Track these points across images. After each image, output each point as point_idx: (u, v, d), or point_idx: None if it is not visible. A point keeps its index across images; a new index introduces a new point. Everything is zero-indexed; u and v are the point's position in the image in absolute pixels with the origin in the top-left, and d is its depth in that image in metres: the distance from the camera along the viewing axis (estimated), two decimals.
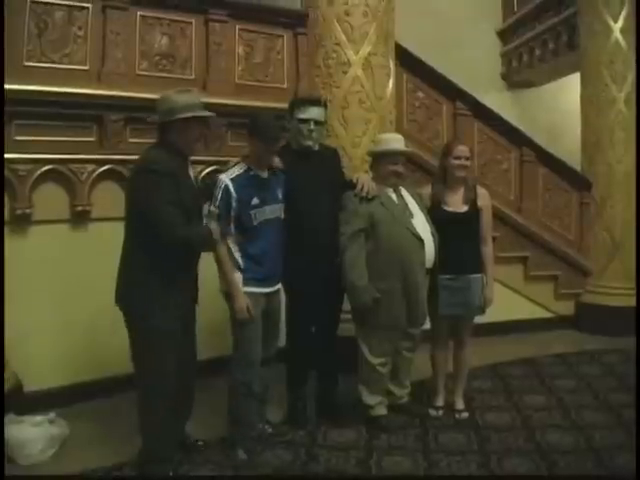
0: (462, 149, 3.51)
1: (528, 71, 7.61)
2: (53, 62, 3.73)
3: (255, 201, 3.03)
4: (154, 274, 2.75)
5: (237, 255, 3.04)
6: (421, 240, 3.27)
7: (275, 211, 3.13)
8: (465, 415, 3.63)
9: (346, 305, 3.49)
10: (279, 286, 3.23)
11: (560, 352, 4.99)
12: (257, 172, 3.09)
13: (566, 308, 5.85)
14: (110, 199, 3.84)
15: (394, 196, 3.39)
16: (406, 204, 3.40)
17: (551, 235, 5.74)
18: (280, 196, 3.18)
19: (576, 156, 6.05)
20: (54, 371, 3.74)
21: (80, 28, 3.82)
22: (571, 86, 6.77)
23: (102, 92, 3.82)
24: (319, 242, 3.29)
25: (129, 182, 2.91)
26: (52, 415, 3.26)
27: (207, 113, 2.84)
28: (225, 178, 3.00)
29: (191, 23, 4.26)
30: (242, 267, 3.04)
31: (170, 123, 2.74)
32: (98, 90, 3.82)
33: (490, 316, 3.75)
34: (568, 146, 6.38)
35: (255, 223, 3.03)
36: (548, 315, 5.80)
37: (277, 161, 3.20)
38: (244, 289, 3.04)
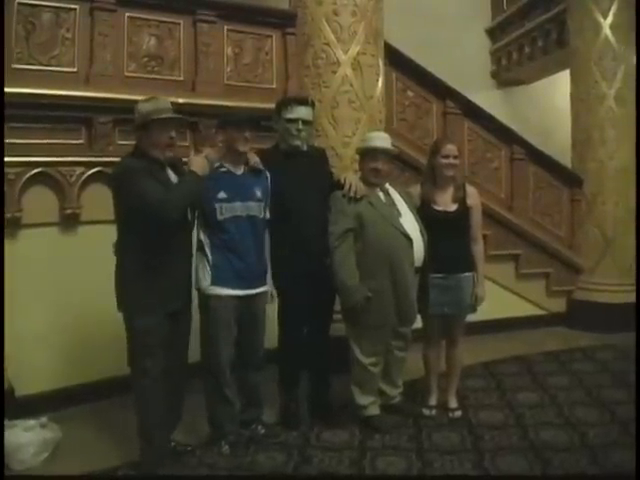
0: (450, 148, 3.50)
1: (518, 69, 7.63)
2: (41, 64, 3.71)
3: (222, 195, 3.03)
4: (142, 273, 2.78)
5: (207, 249, 3.06)
6: (410, 239, 3.26)
7: (249, 209, 3.10)
8: (458, 414, 3.62)
9: (337, 305, 3.48)
10: (259, 290, 3.18)
11: (552, 349, 5.01)
12: (230, 168, 3.11)
13: (558, 305, 5.88)
14: (100, 201, 3.75)
15: (382, 195, 3.38)
16: (394, 203, 3.39)
17: (542, 233, 5.76)
18: (259, 195, 3.15)
19: (566, 153, 6.08)
20: (45, 375, 3.72)
21: (68, 30, 3.80)
22: (561, 83, 6.79)
23: (90, 94, 3.80)
24: (309, 242, 3.28)
25: (110, 189, 2.92)
26: (44, 419, 3.24)
27: (166, 115, 2.82)
28: None
29: (179, 24, 4.23)
30: (211, 262, 3.04)
31: (137, 131, 2.83)
32: (86, 92, 3.80)
33: (482, 314, 3.74)
34: (558, 143, 6.40)
35: (220, 218, 3.03)
36: (540, 312, 5.82)
37: (256, 160, 3.19)
38: (212, 290, 3.04)
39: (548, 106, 7.64)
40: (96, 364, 3.84)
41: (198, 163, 2.89)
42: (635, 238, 5.46)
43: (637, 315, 4.99)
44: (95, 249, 3.64)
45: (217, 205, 3.02)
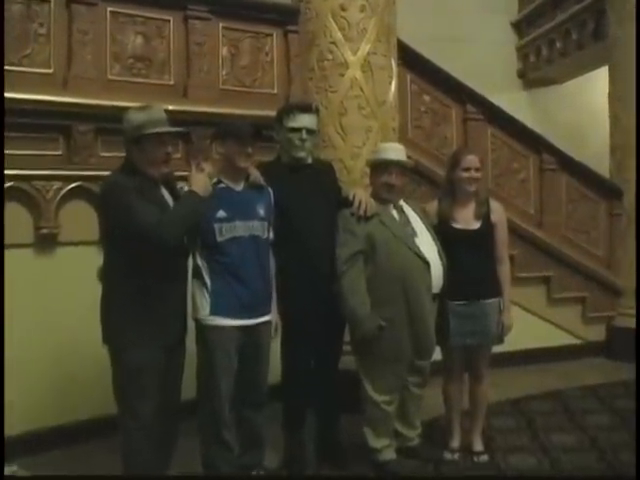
0: (471, 159, 3.56)
1: (548, 67, 7.69)
2: (11, 64, 3.72)
3: (221, 214, 3.05)
4: (133, 301, 2.82)
5: (205, 275, 3.09)
6: (426, 262, 3.31)
7: (252, 228, 3.14)
8: (484, 458, 3.64)
9: (347, 335, 3.53)
10: (264, 319, 3.20)
11: (591, 383, 5.02)
12: (229, 184, 3.15)
13: (596, 333, 5.91)
14: (80, 220, 3.86)
15: (395, 213, 3.43)
16: (409, 222, 3.44)
17: (577, 251, 5.81)
18: (262, 213, 3.19)
19: (604, 161, 6.12)
20: (17, 415, 3.66)
21: (41, 25, 3.83)
22: (598, 82, 6.87)
23: (69, 99, 3.86)
24: (315, 265, 3.34)
25: (96, 209, 2.97)
26: (14, 468, 3.25)
27: (163, 129, 2.85)
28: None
29: (169, 21, 4.32)
30: (210, 289, 3.07)
31: (128, 143, 2.85)
32: (64, 97, 3.85)
33: (510, 344, 3.80)
34: (595, 150, 6.48)
35: (220, 239, 3.05)
36: (576, 342, 5.85)
37: (256, 175, 3.23)
38: (212, 320, 3.06)
39: (583, 108, 7.71)
40: (76, 404, 3.88)
41: (200, 182, 2.92)
42: (635, 244, 5.50)
43: (637, 335, 5.04)
44: (75, 274, 3.73)
45: (216, 225, 3.05)
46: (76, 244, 3.88)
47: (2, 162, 3.50)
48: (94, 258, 2.98)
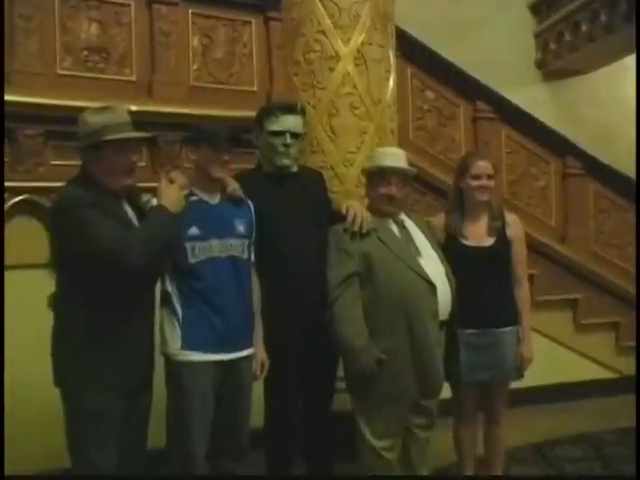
0: (482, 165, 3.62)
1: (571, 55, 7.70)
2: None
3: (194, 231, 3.07)
4: (90, 336, 2.81)
5: (175, 302, 3.10)
6: (432, 285, 3.31)
7: (230, 248, 3.16)
8: None
9: (340, 371, 3.54)
10: (245, 353, 3.21)
11: (628, 425, 4.96)
12: (202, 197, 3.17)
13: (632, 365, 5.86)
14: (27, 240, 3.89)
15: (396, 229, 3.45)
16: (411, 238, 3.46)
17: (608, 269, 5.87)
18: (241, 230, 3.21)
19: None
20: None
21: None
22: (630, 72, 6.94)
23: (12, 98, 3.87)
24: (303, 291, 3.36)
25: (47, 226, 2.98)
26: None
27: (127, 134, 2.86)
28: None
29: (129, 6, 4.38)
30: (181, 319, 3.08)
31: (85, 151, 2.85)
32: (7, 95, 3.85)
33: (531, 379, 3.83)
34: (627, 151, 6.52)
35: (193, 260, 3.07)
36: (609, 375, 5.90)
37: (235, 187, 3.25)
38: (184, 355, 3.07)
39: (613, 102, 7.75)
40: (21, 454, 3.87)
41: (171, 195, 2.94)
42: (635, 247, 5.58)
43: (637, 326, 5.12)
44: (20, 303, 3.74)
45: (188, 244, 3.07)
46: (22, 267, 3.89)
47: (2, 164, 3.56)
48: (43, 284, 2.98)
